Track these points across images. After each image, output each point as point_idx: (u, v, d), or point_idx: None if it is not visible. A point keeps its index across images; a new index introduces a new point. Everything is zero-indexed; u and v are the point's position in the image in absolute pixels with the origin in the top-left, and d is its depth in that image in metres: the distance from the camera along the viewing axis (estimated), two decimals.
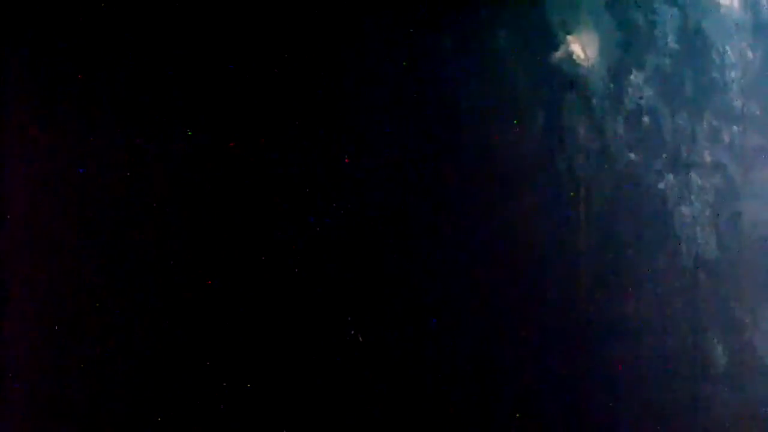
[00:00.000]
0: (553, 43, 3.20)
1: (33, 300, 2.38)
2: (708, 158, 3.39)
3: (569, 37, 3.23)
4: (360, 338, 2.79)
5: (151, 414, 2.44)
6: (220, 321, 2.47)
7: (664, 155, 3.32)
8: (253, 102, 2.45)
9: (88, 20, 2.31)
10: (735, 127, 3.41)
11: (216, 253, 2.45)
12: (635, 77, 3.32)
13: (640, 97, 3.31)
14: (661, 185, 3.32)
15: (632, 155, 3.30)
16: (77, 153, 2.33)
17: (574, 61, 3.24)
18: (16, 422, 2.39)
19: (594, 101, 3.25)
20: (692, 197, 3.36)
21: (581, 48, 3.25)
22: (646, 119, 3.33)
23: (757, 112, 3.45)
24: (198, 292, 2.44)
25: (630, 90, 3.31)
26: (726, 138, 3.41)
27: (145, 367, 2.44)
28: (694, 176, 3.37)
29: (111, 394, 2.44)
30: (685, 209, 3.35)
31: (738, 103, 3.42)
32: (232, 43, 2.43)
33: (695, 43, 3.42)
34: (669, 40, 3.37)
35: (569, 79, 3.21)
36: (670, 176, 3.33)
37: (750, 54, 3.47)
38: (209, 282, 2.43)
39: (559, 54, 3.21)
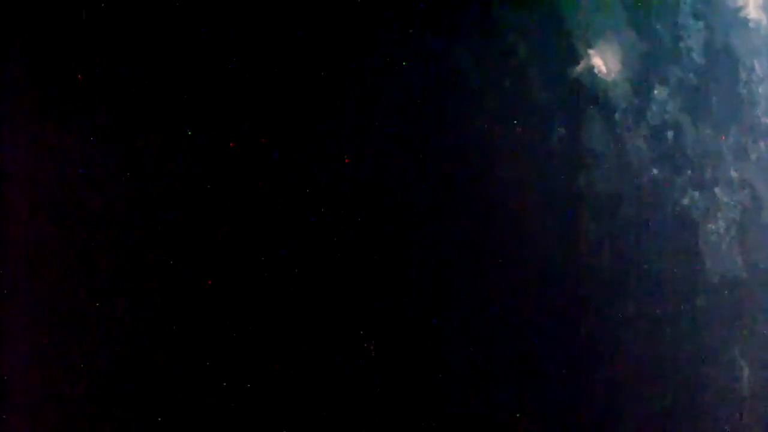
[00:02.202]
0: (575, 56, 3.16)
1: (33, 300, 2.38)
2: (734, 174, 3.32)
3: (591, 51, 3.19)
4: (372, 352, 2.76)
5: (152, 414, 2.43)
6: (220, 321, 2.46)
7: (688, 171, 3.26)
8: (253, 102, 2.45)
9: (88, 20, 2.32)
10: (762, 143, 3.34)
11: (216, 253, 2.44)
12: (659, 92, 3.26)
13: (665, 112, 3.26)
14: (685, 201, 3.25)
15: (655, 171, 3.24)
16: (77, 153, 2.33)
17: (595, 75, 3.20)
18: (16, 422, 2.38)
19: (617, 116, 3.20)
20: (718, 214, 3.29)
21: (603, 62, 3.21)
22: (670, 134, 3.27)
23: None
24: (198, 293, 2.43)
25: (654, 105, 3.25)
26: (753, 154, 3.34)
27: (146, 367, 2.43)
28: (720, 193, 3.30)
29: (111, 394, 2.43)
30: (710, 226, 3.28)
31: (766, 119, 3.35)
32: (232, 43, 2.43)
33: (722, 58, 3.36)
34: (694, 54, 3.32)
35: (591, 93, 3.17)
36: (695, 193, 3.27)
37: None
38: (209, 282, 2.42)
39: (580, 67, 3.17)
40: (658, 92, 3.26)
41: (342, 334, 2.59)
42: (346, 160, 2.46)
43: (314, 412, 2.59)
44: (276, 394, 2.54)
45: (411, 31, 2.65)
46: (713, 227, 3.28)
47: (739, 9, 3.38)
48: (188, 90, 2.38)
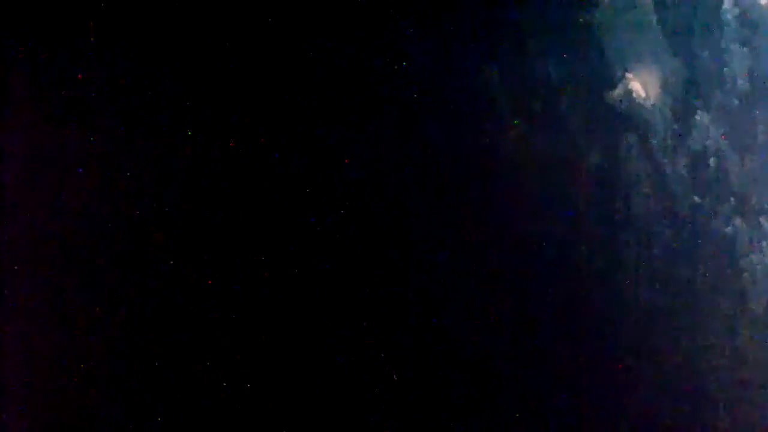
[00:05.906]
0: (613, 81, 3.12)
1: (33, 300, 2.40)
2: None
3: (629, 75, 3.15)
4: (395, 377, 2.72)
5: (151, 414, 2.42)
6: (219, 321, 2.46)
7: (732, 199, 3.17)
8: (254, 102, 2.46)
9: (88, 20, 2.37)
10: None
11: (216, 253, 2.45)
12: (702, 118, 3.19)
13: (707, 138, 3.18)
14: (728, 230, 3.15)
15: (697, 198, 3.15)
16: (77, 153, 2.37)
17: (635, 100, 3.15)
18: (16, 422, 2.40)
19: (656, 142, 3.14)
20: (763, 243, 3.17)
21: (643, 87, 3.16)
22: (712, 161, 3.18)
23: None
24: (198, 292, 2.43)
25: (696, 131, 3.18)
26: None
27: (146, 367, 2.44)
28: (765, 221, 3.19)
29: (111, 394, 2.43)
30: (755, 256, 3.16)
31: None
32: (232, 43, 2.46)
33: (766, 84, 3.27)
34: (739, 80, 3.24)
35: (630, 118, 3.12)
36: (739, 221, 3.16)
37: None
38: (209, 282, 2.43)
39: (619, 92, 3.13)
40: (701, 118, 3.19)
41: (341, 332, 2.57)
42: (347, 161, 2.45)
43: (311, 410, 2.56)
44: (277, 394, 2.52)
45: (425, 40, 2.65)
46: (758, 257, 3.17)
47: None
48: (189, 90, 2.41)
